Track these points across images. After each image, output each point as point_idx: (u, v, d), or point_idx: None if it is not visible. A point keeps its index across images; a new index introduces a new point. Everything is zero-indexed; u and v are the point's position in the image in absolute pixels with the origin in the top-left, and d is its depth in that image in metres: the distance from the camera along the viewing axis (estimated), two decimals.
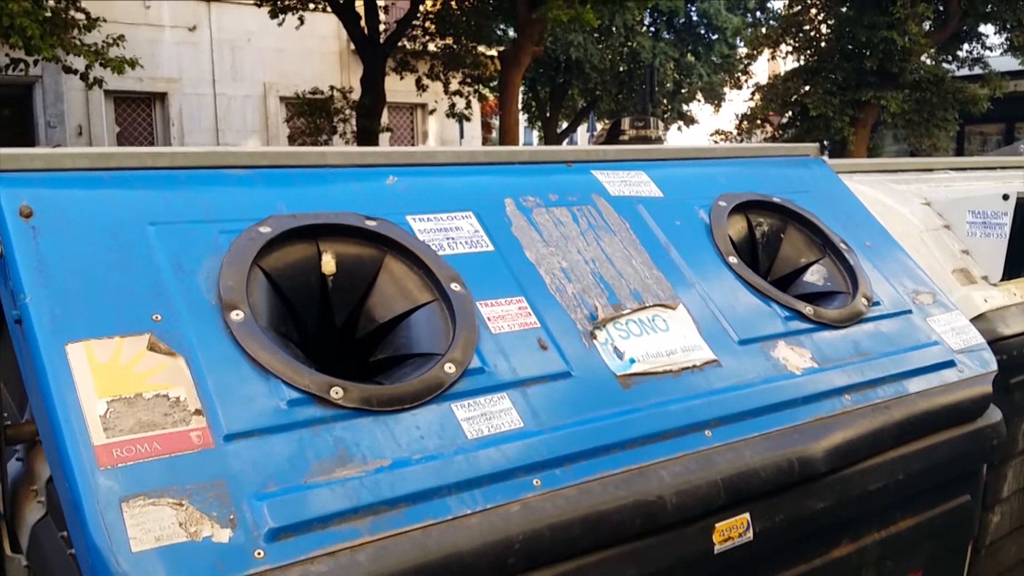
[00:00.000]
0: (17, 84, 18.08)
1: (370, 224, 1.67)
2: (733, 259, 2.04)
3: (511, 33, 16.14)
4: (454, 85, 16.19)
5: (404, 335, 1.62)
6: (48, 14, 9.20)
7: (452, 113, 16.53)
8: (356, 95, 15.47)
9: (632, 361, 1.71)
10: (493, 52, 15.71)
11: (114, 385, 1.28)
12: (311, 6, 15.50)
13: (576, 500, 1.45)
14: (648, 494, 1.51)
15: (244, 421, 1.31)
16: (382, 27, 15.46)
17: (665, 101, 24.58)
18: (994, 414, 2.08)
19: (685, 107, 25.17)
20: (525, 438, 1.49)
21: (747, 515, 1.64)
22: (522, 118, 25.60)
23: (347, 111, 15.72)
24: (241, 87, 20.78)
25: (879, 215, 3.00)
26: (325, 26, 19.15)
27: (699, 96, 24.67)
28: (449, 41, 15.69)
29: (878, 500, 1.86)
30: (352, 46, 16.52)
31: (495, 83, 16.57)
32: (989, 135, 19.15)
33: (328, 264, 1.62)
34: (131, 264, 1.43)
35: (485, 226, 1.82)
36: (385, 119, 18.79)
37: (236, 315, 1.42)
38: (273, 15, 15.71)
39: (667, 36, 23.13)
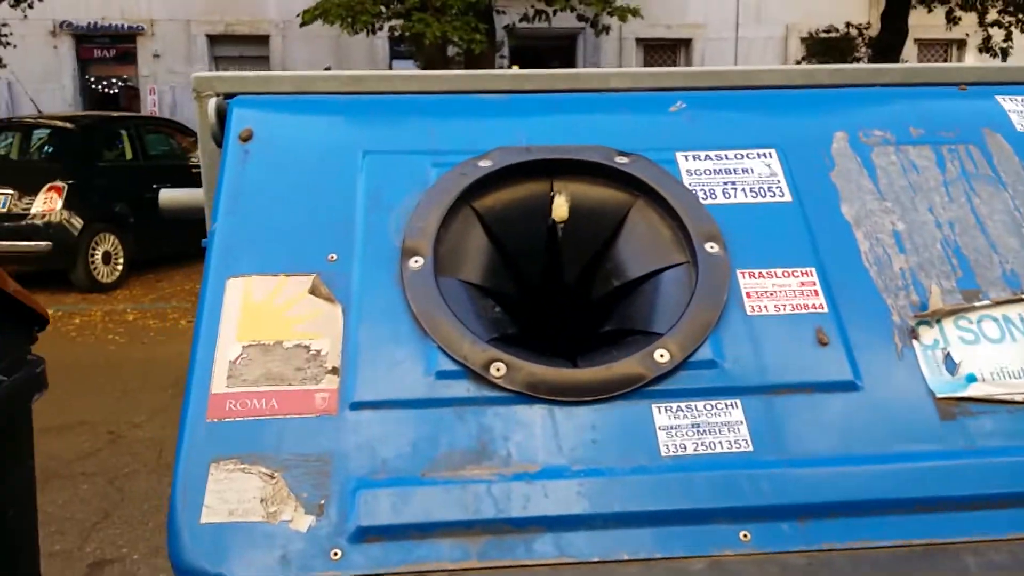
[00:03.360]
0: (565, 36, 19.72)
1: (620, 161, 1.28)
2: None
3: None
4: (992, 15, 13.76)
5: (636, 304, 1.22)
6: None
7: (986, 47, 14.11)
8: (875, 32, 13.99)
9: (971, 379, 1.10)
10: None
11: (257, 328, 1.11)
12: None
13: (803, 574, 0.95)
14: None
15: (378, 388, 1.06)
16: None
17: None
18: None
19: None
20: (748, 468, 1.01)
21: None
22: None
23: (863, 49, 14.33)
24: (763, 29, 20.21)
25: None
26: None
27: None
28: None
29: None
30: None
31: None
32: None
33: (560, 208, 1.28)
34: (329, 197, 1.25)
35: (788, 168, 1.30)
36: (913, 57, 16.82)
37: (415, 262, 1.17)
38: None
39: None
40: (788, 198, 1.27)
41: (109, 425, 5.22)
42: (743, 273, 1.18)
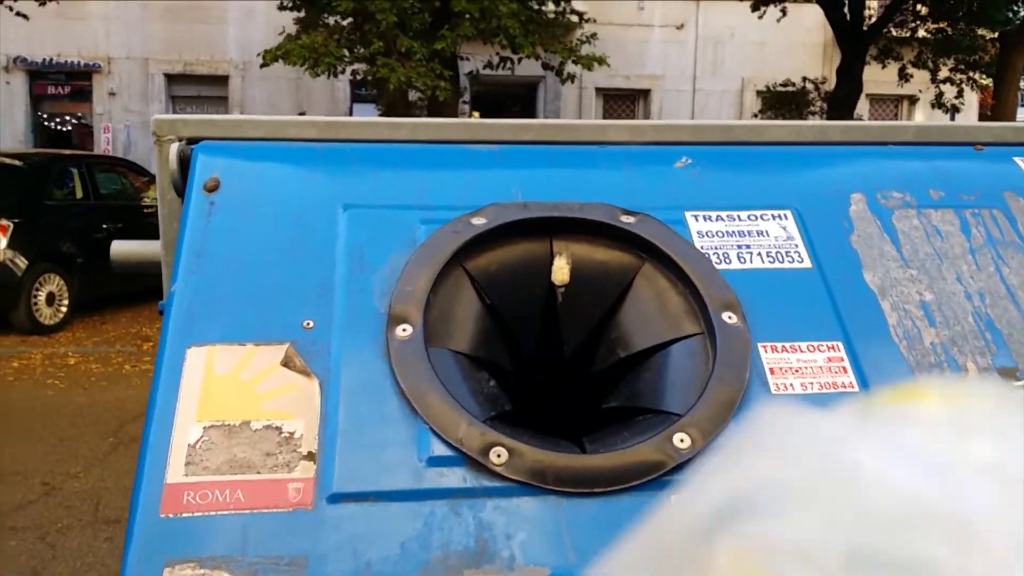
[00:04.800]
0: (525, 84, 19.87)
1: (626, 220, 1.18)
2: None
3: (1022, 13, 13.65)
4: (944, 73, 14.17)
5: (645, 379, 1.11)
6: (531, 13, 9.73)
7: (938, 103, 14.50)
8: (831, 86, 14.33)
9: None
10: (995, 35, 13.42)
11: (221, 406, 0.98)
12: None
13: None
14: None
15: (361, 478, 0.93)
16: (867, 13, 14.09)
17: None
18: None
19: None
20: None
21: None
22: None
23: (818, 103, 14.63)
24: (720, 83, 20.63)
25: None
26: (811, 18, 18.12)
27: None
28: (943, 25, 13.73)
29: None
30: None
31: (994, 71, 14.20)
32: None
33: (560, 271, 1.17)
34: (305, 255, 1.12)
35: (806, 232, 1.21)
36: (865, 112, 17.22)
37: (402, 330, 1.04)
38: (755, 8, 15.17)
39: None
40: (808, 264, 1.17)
41: (43, 476, 4.94)
42: (764, 347, 1.07)
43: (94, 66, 19.51)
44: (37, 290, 8.78)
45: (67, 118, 20.03)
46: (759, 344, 1.07)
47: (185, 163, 1.25)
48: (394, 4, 9.07)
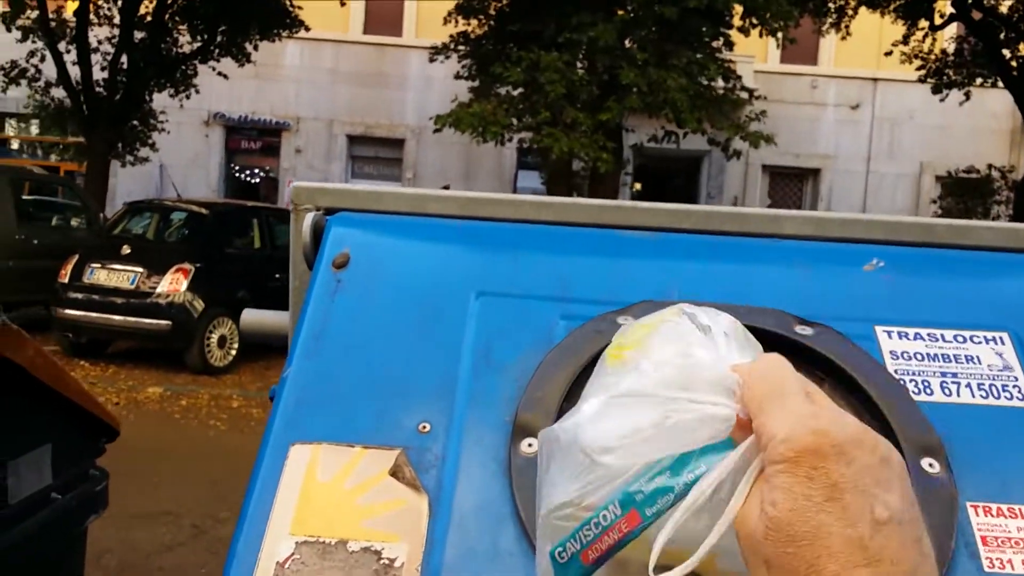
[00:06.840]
0: (689, 157, 19.65)
1: (802, 332, 0.99)
2: None
3: None
4: None
5: None
6: (700, 88, 9.59)
7: None
8: (1020, 175, 13.32)
9: None
10: None
11: (318, 519, 0.85)
12: (978, 81, 13.86)
13: None
14: None
15: None
16: None
17: None
18: None
19: None
20: None
21: None
22: None
23: (1005, 192, 13.62)
24: (895, 165, 19.72)
25: None
26: (998, 103, 17.07)
27: None
28: None
29: None
30: None
31: None
32: None
33: None
34: (429, 345, 1.00)
35: None
36: None
37: (527, 446, 0.89)
38: (935, 90, 14.44)
39: None
40: None
41: (194, 518, 5.07)
42: (975, 507, 0.85)
43: (284, 124, 20.90)
44: (210, 332, 9.25)
45: (256, 171, 21.49)
46: (968, 504, 0.85)
47: (319, 234, 1.16)
48: (563, 76, 9.16)
